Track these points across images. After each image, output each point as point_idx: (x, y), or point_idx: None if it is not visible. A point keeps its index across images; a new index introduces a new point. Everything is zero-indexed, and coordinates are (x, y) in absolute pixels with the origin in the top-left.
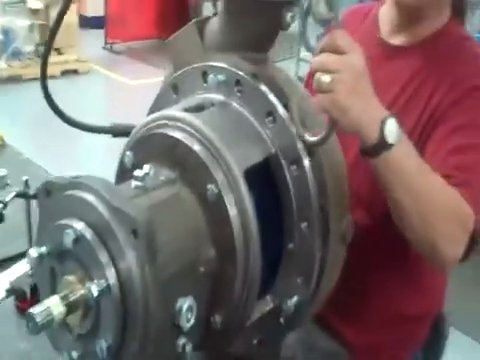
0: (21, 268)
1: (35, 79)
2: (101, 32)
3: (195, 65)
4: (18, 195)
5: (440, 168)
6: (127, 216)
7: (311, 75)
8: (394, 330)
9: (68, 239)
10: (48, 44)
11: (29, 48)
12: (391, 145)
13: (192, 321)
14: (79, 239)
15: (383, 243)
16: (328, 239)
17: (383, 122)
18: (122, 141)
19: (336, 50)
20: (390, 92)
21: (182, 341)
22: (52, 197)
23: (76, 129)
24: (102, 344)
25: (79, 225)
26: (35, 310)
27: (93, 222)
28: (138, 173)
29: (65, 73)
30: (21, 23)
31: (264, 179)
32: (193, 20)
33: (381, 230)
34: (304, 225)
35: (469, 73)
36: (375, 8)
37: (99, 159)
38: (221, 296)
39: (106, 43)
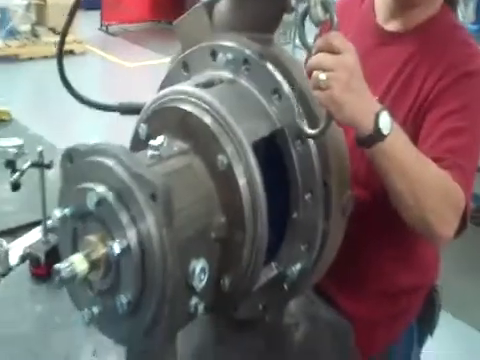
0: (35, 235)
1: (32, 58)
2: (97, 13)
3: (204, 44)
4: (33, 165)
5: (433, 150)
6: (147, 181)
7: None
8: (389, 301)
9: (91, 201)
10: (65, 27)
11: (25, 27)
12: (385, 135)
13: (204, 282)
14: (101, 202)
15: (379, 219)
16: (330, 211)
17: (377, 115)
18: (119, 119)
19: (331, 50)
20: (386, 77)
21: (194, 301)
22: (75, 162)
23: (73, 108)
24: (122, 299)
25: (101, 188)
26: (61, 266)
27: (114, 186)
28: (154, 143)
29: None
30: (17, 2)
31: (271, 153)
32: (201, 1)
33: (378, 207)
34: (308, 196)
35: (460, 60)
36: None
37: (99, 134)
38: (230, 260)
39: (102, 25)
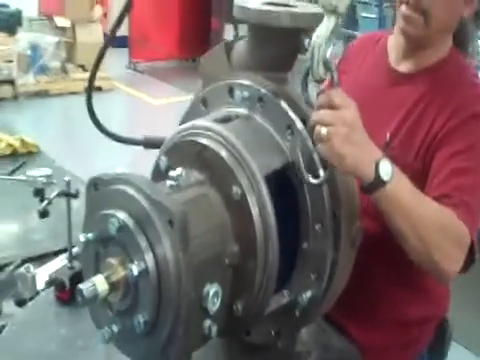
0: (61, 262)
1: (61, 94)
2: (125, 51)
3: (223, 82)
4: (60, 194)
5: (440, 188)
6: (165, 208)
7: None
8: (400, 331)
9: (112, 227)
10: (96, 64)
11: (55, 64)
12: (385, 182)
13: (217, 305)
14: (122, 227)
15: (388, 250)
16: (339, 241)
17: (377, 164)
18: (143, 153)
19: (331, 106)
20: (397, 116)
21: (208, 323)
22: (99, 190)
23: (99, 142)
24: (140, 319)
25: (122, 215)
26: (83, 286)
27: (135, 213)
28: (173, 174)
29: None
30: (48, 40)
31: (283, 185)
32: (222, 42)
33: (387, 239)
34: (318, 226)
35: (468, 101)
36: (385, 36)
37: (123, 167)
38: (243, 286)
39: (130, 62)
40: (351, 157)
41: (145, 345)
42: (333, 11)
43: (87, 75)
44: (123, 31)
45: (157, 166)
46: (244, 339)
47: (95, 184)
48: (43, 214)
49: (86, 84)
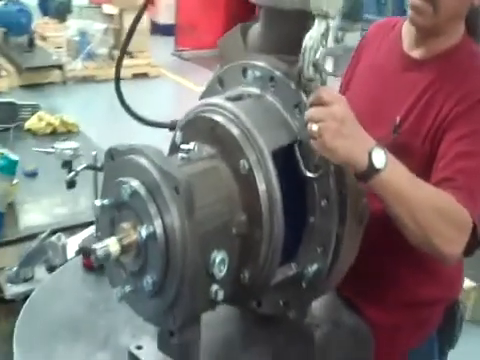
0: (89, 231)
1: (107, 80)
2: (171, 39)
3: (237, 63)
4: (88, 167)
5: (445, 171)
6: (172, 176)
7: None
8: (409, 312)
9: (125, 193)
10: (123, 48)
11: (103, 51)
12: (379, 170)
13: (224, 272)
14: (134, 193)
15: (398, 232)
16: (345, 217)
17: (370, 153)
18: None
19: (321, 103)
20: (408, 100)
21: (215, 288)
22: (115, 160)
23: (139, 125)
24: (149, 279)
25: (135, 183)
26: (97, 246)
27: (146, 181)
28: (184, 147)
29: (136, 76)
30: (97, 27)
31: (292, 161)
32: (238, 25)
33: None
34: (324, 202)
35: (477, 87)
36: (400, 22)
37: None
38: (249, 255)
39: (176, 50)
40: (343, 149)
41: (154, 304)
42: (324, 16)
43: (134, 62)
44: (170, 19)
45: (173, 141)
46: (257, 311)
47: (111, 154)
48: (70, 184)
49: (133, 71)
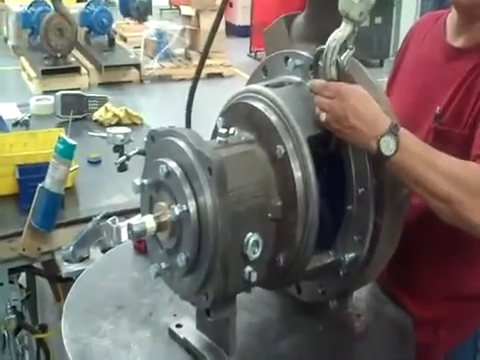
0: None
1: (183, 79)
2: (247, 40)
3: (280, 52)
4: (139, 152)
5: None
6: (205, 157)
7: None
8: (455, 307)
9: (162, 172)
10: (205, 51)
11: (179, 51)
12: (388, 156)
13: (257, 253)
14: (170, 173)
15: (445, 225)
16: (383, 207)
17: (378, 141)
18: None
19: (326, 96)
20: (450, 89)
21: (248, 269)
22: (155, 142)
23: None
24: (182, 256)
25: (171, 163)
26: (134, 222)
27: (182, 162)
28: (222, 130)
29: (211, 76)
30: (174, 27)
31: (332, 151)
32: (283, 15)
33: None
34: (361, 190)
35: None
36: (445, 14)
37: None
38: (285, 239)
39: (251, 51)
40: (349, 137)
41: (188, 282)
42: (351, 20)
43: (209, 62)
44: (246, 21)
45: (215, 126)
46: (297, 298)
47: (152, 136)
48: (121, 168)
49: (208, 71)
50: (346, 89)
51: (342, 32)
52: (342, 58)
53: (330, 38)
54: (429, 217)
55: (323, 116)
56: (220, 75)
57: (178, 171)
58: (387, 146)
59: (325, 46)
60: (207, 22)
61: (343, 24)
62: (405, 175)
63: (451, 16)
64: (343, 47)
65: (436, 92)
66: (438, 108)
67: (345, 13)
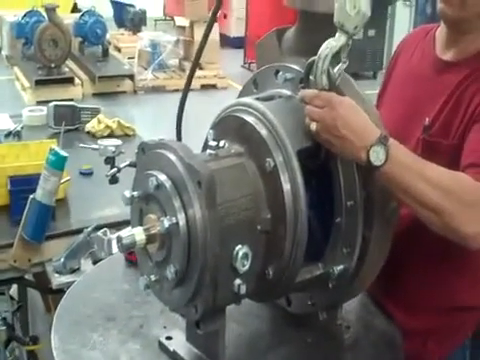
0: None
1: (176, 90)
2: (241, 51)
3: (271, 65)
4: (130, 164)
5: (471, 156)
6: (195, 170)
7: None
8: (444, 318)
9: (151, 185)
10: (195, 61)
11: (173, 62)
12: (377, 167)
13: (247, 266)
14: (160, 186)
15: (434, 235)
16: (372, 219)
17: (368, 151)
18: None
19: (316, 105)
20: (439, 101)
21: (238, 282)
22: (146, 154)
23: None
24: (171, 268)
25: (161, 175)
26: (123, 234)
27: (171, 174)
28: (212, 143)
29: (204, 87)
30: (168, 38)
31: (321, 163)
32: (274, 29)
33: None
34: (350, 203)
35: None
36: (435, 28)
37: None
38: (274, 252)
39: (245, 62)
40: (338, 148)
41: (177, 294)
42: (345, 32)
43: (203, 73)
44: (241, 32)
45: (206, 139)
46: (287, 310)
47: (143, 149)
48: (112, 180)
49: (202, 82)
50: (336, 99)
51: (335, 42)
52: (335, 71)
53: (323, 46)
54: (418, 228)
55: (313, 126)
56: (214, 86)
57: (168, 184)
58: (377, 156)
59: (316, 57)
60: (201, 33)
61: (337, 35)
62: (394, 185)
63: (440, 30)
64: (336, 59)
65: (425, 104)
66: (427, 119)
67: (340, 25)
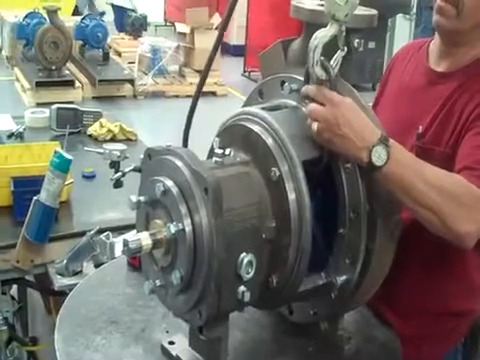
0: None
1: (176, 96)
2: (241, 60)
3: (277, 75)
4: (135, 169)
5: (466, 160)
6: (202, 177)
7: None
8: (438, 323)
9: (158, 191)
10: (206, 69)
11: (174, 68)
12: (379, 167)
13: (251, 274)
14: (166, 192)
15: (430, 240)
16: (375, 231)
17: (370, 150)
18: None
19: (318, 102)
20: (432, 110)
21: (242, 289)
22: (152, 160)
23: (205, 144)
24: (177, 274)
25: (168, 181)
26: (130, 238)
27: (178, 180)
28: (218, 151)
29: (204, 94)
30: (168, 44)
31: (326, 175)
32: (279, 40)
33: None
34: (353, 215)
35: None
36: (428, 42)
37: None
38: (278, 260)
39: (245, 70)
40: (339, 147)
41: (182, 300)
42: (336, 19)
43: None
44: (242, 40)
45: (211, 147)
46: (289, 319)
47: (149, 154)
48: (117, 184)
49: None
50: (338, 98)
51: (325, 31)
52: (332, 60)
53: (312, 37)
54: (414, 232)
55: (314, 125)
56: (213, 94)
57: (175, 190)
58: (378, 156)
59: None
60: (201, 40)
61: (329, 25)
62: (394, 185)
63: (434, 42)
64: (333, 49)
65: (419, 114)
66: (420, 128)
67: (331, 15)
